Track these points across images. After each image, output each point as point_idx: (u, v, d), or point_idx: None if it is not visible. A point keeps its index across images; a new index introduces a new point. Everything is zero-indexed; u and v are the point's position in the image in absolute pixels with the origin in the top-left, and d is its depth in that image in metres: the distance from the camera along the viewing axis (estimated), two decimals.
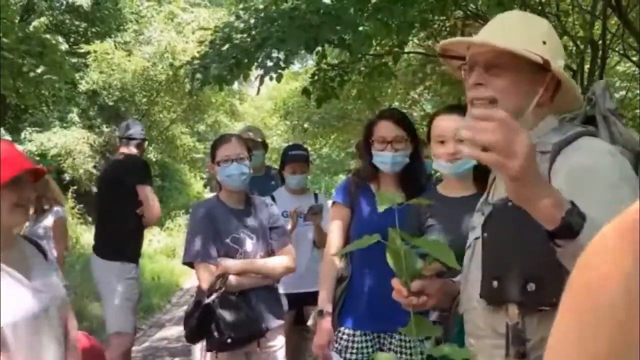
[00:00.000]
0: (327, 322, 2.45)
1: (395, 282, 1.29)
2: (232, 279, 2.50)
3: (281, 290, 3.14)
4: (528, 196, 0.99)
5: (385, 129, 2.38)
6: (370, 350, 2.43)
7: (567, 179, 1.13)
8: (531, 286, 1.18)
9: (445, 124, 2.07)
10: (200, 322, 2.47)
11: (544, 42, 1.28)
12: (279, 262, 2.69)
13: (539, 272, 1.17)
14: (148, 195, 3.75)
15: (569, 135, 1.21)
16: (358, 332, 2.44)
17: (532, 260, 1.17)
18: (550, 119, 1.31)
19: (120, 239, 3.71)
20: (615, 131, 1.27)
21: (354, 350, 2.43)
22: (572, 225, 0.97)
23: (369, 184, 2.50)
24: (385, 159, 2.37)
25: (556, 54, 1.29)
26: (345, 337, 2.45)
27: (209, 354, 2.54)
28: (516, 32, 1.31)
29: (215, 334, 2.43)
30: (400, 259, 1.23)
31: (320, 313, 2.48)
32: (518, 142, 0.94)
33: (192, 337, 2.55)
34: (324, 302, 2.47)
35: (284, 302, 3.41)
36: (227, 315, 2.44)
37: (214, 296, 2.44)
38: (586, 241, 1.00)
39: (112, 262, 3.66)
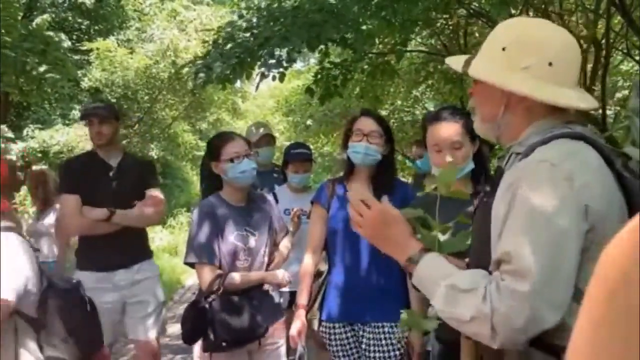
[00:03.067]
0: (300, 315, 2.59)
1: None
2: (230, 278, 2.51)
3: (285, 288, 3.14)
4: (383, 251, 1.44)
5: (364, 122, 2.57)
6: (350, 340, 2.59)
7: (504, 195, 1.22)
8: None
9: (439, 133, 2.15)
10: (196, 324, 2.47)
11: (503, 49, 1.31)
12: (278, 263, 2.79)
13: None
14: (60, 205, 3.28)
15: (545, 137, 1.25)
16: (337, 325, 2.59)
17: (484, 252, 1.26)
18: (543, 122, 1.31)
19: (83, 247, 3.32)
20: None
21: (336, 342, 2.59)
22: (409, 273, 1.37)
23: (344, 184, 2.66)
24: (359, 149, 2.53)
25: (520, 58, 1.28)
26: (325, 329, 2.61)
27: (205, 353, 2.55)
28: (485, 44, 1.38)
29: (211, 336, 2.44)
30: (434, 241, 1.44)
31: (296, 306, 2.64)
32: (366, 216, 1.41)
33: (188, 337, 2.55)
34: (300, 296, 2.63)
35: (287, 299, 3.42)
36: (224, 318, 2.44)
37: (210, 298, 2.45)
38: (416, 282, 1.35)
39: (80, 271, 3.22)
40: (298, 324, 2.58)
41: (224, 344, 2.44)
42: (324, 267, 2.72)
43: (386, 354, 2.49)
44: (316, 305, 2.67)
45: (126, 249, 3.22)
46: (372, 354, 2.52)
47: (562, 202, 1.14)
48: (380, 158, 2.57)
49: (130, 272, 3.24)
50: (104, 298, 3.11)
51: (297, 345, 2.60)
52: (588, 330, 0.49)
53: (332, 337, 2.60)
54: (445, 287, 1.22)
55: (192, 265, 2.62)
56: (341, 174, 2.76)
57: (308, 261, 2.67)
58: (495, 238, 1.23)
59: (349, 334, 2.59)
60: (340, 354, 2.59)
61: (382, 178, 2.59)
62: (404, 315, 1.68)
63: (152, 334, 3.29)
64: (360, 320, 2.57)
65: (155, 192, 3.32)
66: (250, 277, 2.59)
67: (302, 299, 2.62)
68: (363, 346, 2.55)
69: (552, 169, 1.16)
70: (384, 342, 2.50)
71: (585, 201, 1.15)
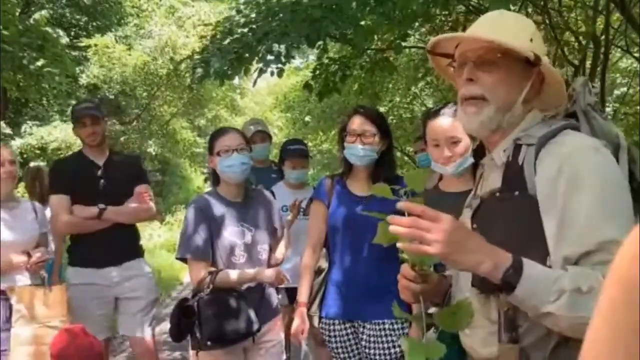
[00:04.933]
0: (301, 312, 2.60)
1: (405, 267, 1.37)
2: (223, 275, 2.48)
3: (281, 285, 3.13)
4: (464, 267, 1.18)
5: (357, 123, 2.54)
6: (350, 337, 2.58)
7: (555, 181, 1.21)
8: None
9: (438, 127, 2.18)
10: (182, 322, 2.45)
11: (531, 40, 1.32)
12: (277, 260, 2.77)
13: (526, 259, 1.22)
14: (50, 206, 3.34)
15: (553, 128, 1.27)
16: (337, 321, 2.59)
17: (520, 248, 1.20)
18: (535, 113, 1.35)
19: (74, 244, 3.34)
20: (595, 125, 1.33)
21: (336, 340, 2.59)
22: (511, 284, 1.15)
23: (344, 181, 2.65)
24: (354, 150, 2.52)
25: (541, 52, 1.33)
26: (325, 326, 2.61)
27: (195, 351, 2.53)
28: (505, 30, 1.33)
29: (197, 334, 2.43)
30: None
31: (296, 303, 2.65)
32: (435, 230, 1.13)
33: (175, 335, 2.51)
34: (300, 293, 2.63)
35: (284, 296, 3.41)
36: (210, 317, 2.41)
37: (197, 297, 2.43)
38: (523, 294, 1.10)
39: (71, 267, 3.30)
40: (299, 321, 2.58)
41: (209, 342, 2.42)
42: (324, 265, 2.70)
43: (386, 351, 2.48)
44: (316, 302, 2.67)
45: (115, 246, 3.22)
46: (372, 351, 2.51)
47: (625, 184, 1.21)
48: (377, 156, 2.55)
49: (120, 269, 3.24)
50: (92, 294, 3.19)
51: (299, 342, 2.59)
52: (603, 329, 0.47)
53: (332, 334, 2.59)
54: (570, 292, 1.12)
55: (184, 260, 2.59)
56: (340, 170, 2.74)
57: (308, 258, 2.67)
58: (553, 228, 1.19)
59: (349, 331, 2.58)
60: (340, 351, 2.59)
61: (382, 174, 2.55)
62: (403, 341, 1.49)
63: (147, 331, 3.30)
64: (360, 317, 2.55)
65: (143, 188, 3.29)
66: (245, 274, 2.54)
67: (303, 296, 2.61)
68: (363, 343, 2.54)
69: (602, 153, 1.22)
70: (384, 339, 2.49)
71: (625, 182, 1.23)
